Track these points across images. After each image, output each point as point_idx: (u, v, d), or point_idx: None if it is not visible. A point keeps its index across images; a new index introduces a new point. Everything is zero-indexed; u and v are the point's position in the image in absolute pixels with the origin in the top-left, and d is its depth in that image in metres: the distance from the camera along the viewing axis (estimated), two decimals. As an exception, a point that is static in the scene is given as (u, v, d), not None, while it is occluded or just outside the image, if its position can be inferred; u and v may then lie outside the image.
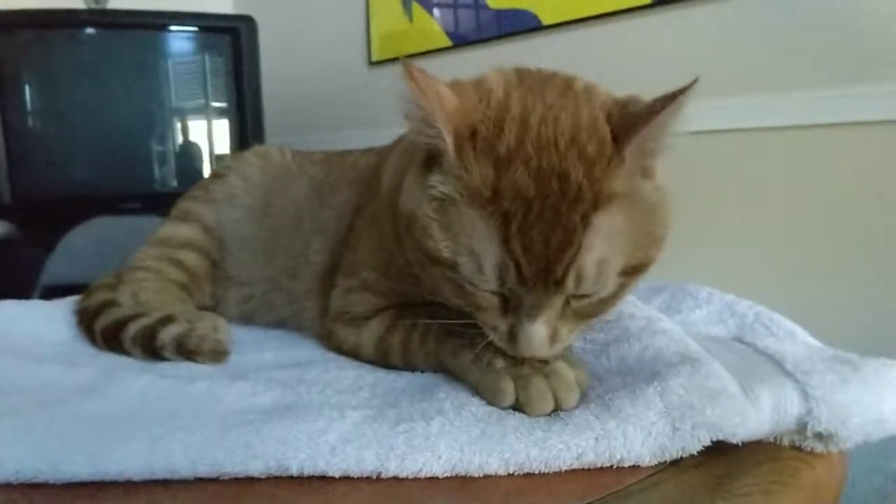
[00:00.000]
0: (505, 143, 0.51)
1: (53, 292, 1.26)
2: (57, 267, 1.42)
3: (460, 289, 0.54)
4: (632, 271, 0.54)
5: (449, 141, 0.52)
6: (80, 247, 1.45)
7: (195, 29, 2.04)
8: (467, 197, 0.51)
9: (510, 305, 0.54)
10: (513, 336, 0.54)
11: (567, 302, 0.53)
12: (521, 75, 0.59)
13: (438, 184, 0.53)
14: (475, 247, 0.51)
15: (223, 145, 2.08)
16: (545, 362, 0.56)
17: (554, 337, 0.54)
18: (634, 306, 0.68)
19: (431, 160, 0.55)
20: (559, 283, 0.51)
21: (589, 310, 0.55)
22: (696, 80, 0.51)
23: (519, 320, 0.53)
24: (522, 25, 1.64)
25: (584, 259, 0.50)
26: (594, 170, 0.51)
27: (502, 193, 0.50)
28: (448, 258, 0.53)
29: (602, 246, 0.50)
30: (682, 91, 0.51)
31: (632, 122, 0.52)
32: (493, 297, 0.54)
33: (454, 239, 0.52)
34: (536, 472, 0.48)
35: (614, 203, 0.51)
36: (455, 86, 0.55)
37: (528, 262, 0.50)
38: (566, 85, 0.57)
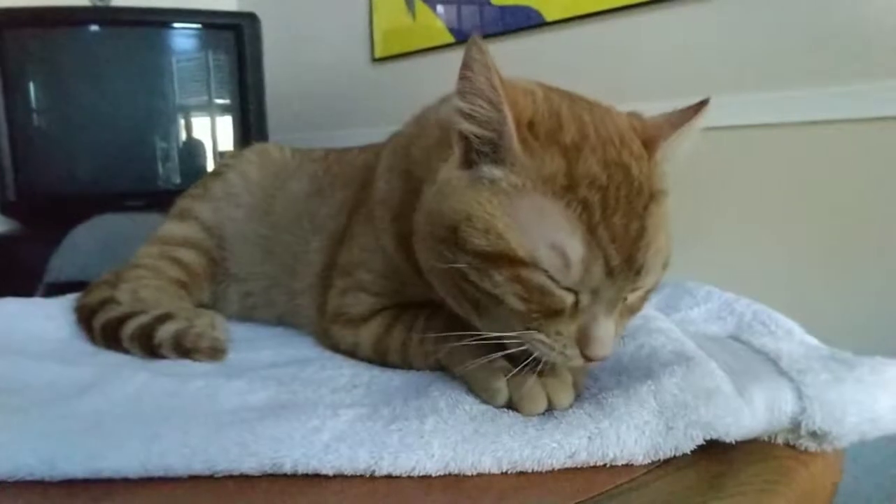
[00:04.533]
0: (569, 134, 0.51)
1: (57, 289, 1.27)
2: (61, 264, 1.42)
3: (535, 291, 0.49)
4: (664, 266, 0.54)
5: (511, 127, 0.50)
6: (84, 244, 1.45)
7: (199, 26, 2.04)
8: (540, 187, 0.49)
9: (580, 305, 0.50)
10: (584, 337, 0.50)
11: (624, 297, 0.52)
12: (545, 84, 0.58)
13: (502, 176, 0.51)
14: (556, 239, 0.48)
15: (227, 142, 2.08)
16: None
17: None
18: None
19: (469, 157, 0.53)
20: (639, 272, 0.50)
21: (637, 304, 0.54)
22: (707, 101, 0.55)
23: (593, 317, 0.50)
24: (525, 22, 1.64)
25: (653, 248, 0.50)
26: (644, 166, 0.52)
27: (578, 181, 0.49)
28: (525, 256, 0.49)
29: (659, 237, 0.51)
30: (699, 107, 0.55)
31: (657, 132, 0.55)
32: (571, 295, 0.50)
33: (527, 234, 0.49)
34: (529, 470, 0.48)
35: (659, 199, 0.52)
36: None
37: (616, 252, 0.48)
38: (584, 97, 0.58)
